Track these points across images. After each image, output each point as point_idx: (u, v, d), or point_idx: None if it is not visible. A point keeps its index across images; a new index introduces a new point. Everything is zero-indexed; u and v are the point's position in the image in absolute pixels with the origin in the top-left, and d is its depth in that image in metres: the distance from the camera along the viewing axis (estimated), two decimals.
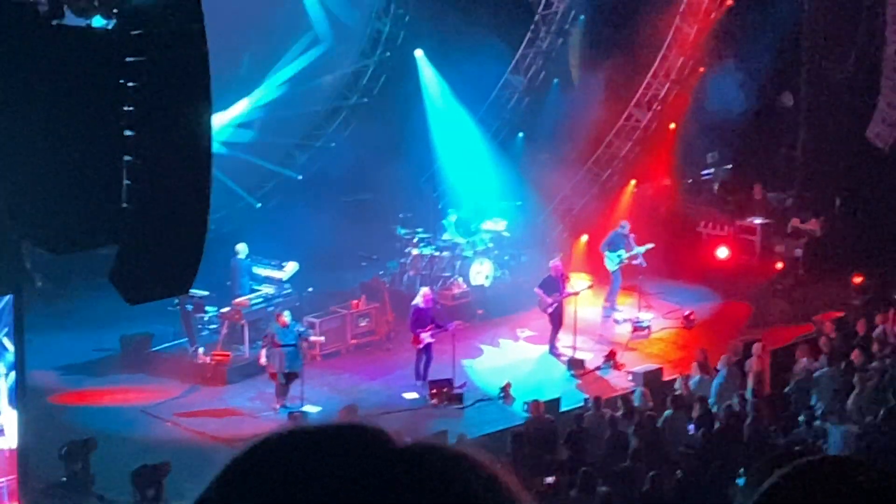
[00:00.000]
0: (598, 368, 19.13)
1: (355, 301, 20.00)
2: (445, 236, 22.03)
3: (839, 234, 23.17)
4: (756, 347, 17.85)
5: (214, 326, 19.33)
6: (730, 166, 25.54)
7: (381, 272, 21.65)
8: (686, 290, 22.10)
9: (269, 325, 18.09)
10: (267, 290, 19.66)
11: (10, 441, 13.56)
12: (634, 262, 21.10)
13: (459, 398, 17.85)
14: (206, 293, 18.87)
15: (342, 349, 19.45)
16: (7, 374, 13.44)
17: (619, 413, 15.91)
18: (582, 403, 17.06)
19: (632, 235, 21.35)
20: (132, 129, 11.49)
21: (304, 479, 1.33)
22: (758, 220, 23.62)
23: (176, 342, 19.26)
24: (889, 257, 21.84)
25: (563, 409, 17.15)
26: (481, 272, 21.79)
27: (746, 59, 23.82)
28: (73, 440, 15.32)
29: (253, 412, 17.37)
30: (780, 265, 22.92)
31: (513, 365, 19.23)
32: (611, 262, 21.17)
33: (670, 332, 20.77)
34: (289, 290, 19.80)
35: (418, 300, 18.48)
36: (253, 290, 19.57)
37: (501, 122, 25.01)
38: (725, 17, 23.40)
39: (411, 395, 18.01)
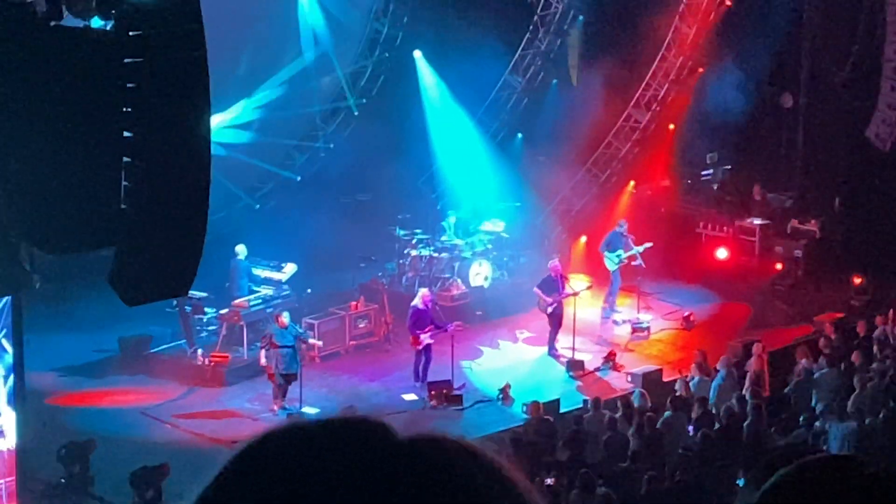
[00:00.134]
0: (597, 369, 19.12)
1: (354, 302, 19.99)
2: (444, 237, 22.02)
3: (839, 234, 23.18)
4: (755, 348, 17.85)
5: (213, 328, 19.32)
6: (729, 167, 25.53)
7: (379, 273, 21.64)
8: (685, 290, 22.11)
9: (268, 325, 18.09)
10: (266, 291, 19.66)
11: (10, 442, 13.56)
12: (634, 262, 21.08)
13: (458, 399, 17.85)
14: (204, 294, 18.86)
15: (341, 350, 19.44)
16: (6, 376, 13.43)
17: (619, 414, 15.89)
18: (581, 405, 17.05)
19: (630, 236, 21.34)
20: (131, 130, 11.47)
21: (307, 473, 1.32)
22: (757, 221, 23.61)
23: (175, 344, 19.25)
24: (889, 258, 21.84)
25: (563, 410, 17.14)
26: (480, 273, 21.79)
27: (746, 59, 23.81)
28: (72, 441, 15.30)
29: (252, 413, 17.37)
30: (779, 266, 22.92)
31: (512, 366, 19.23)
32: (610, 263, 21.17)
33: (670, 333, 20.77)
34: (287, 292, 19.79)
35: (417, 301, 18.48)
36: (252, 292, 19.56)
37: (500, 122, 25.01)
38: (724, 17, 23.39)
39: (410, 397, 18.00)
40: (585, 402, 16.97)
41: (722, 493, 13.63)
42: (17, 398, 13.53)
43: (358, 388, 18.39)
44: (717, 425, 15.65)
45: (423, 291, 18.88)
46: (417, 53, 24.45)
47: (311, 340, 18.28)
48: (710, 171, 25.68)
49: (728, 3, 23.21)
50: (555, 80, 25.31)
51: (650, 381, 17.92)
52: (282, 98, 23.57)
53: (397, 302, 20.01)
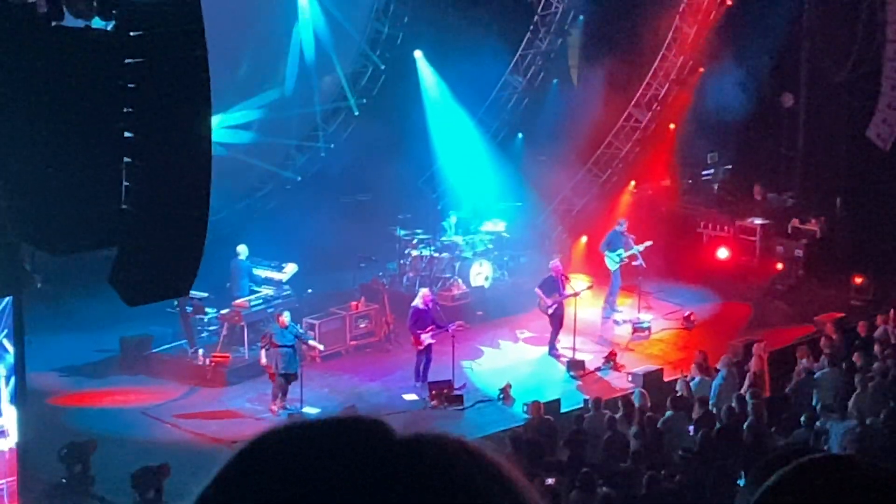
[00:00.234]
0: (598, 369, 19.12)
1: (355, 302, 19.99)
2: (445, 237, 22.02)
3: (839, 234, 23.18)
4: (756, 348, 17.84)
5: (214, 328, 19.32)
6: (730, 167, 25.53)
7: (380, 273, 21.64)
8: (686, 290, 22.10)
9: (269, 325, 18.10)
10: (266, 291, 19.66)
11: (11, 442, 13.56)
12: (635, 262, 21.07)
13: (459, 399, 17.85)
14: (205, 295, 18.86)
15: (342, 350, 19.44)
16: (7, 376, 13.43)
17: (620, 414, 15.89)
18: (582, 404, 17.05)
19: (631, 236, 21.33)
20: (131, 130, 11.48)
21: (306, 473, 1.32)
22: (758, 221, 23.60)
23: (175, 344, 19.25)
24: (890, 258, 21.84)
25: (563, 410, 17.14)
26: (481, 273, 21.79)
27: (746, 59, 23.81)
28: (73, 441, 15.30)
29: (253, 413, 17.37)
30: (780, 266, 22.91)
31: (513, 366, 19.23)
32: (611, 262, 21.16)
33: (670, 332, 20.77)
34: (288, 292, 19.79)
35: (417, 301, 18.48)
36: (252, 292, 19.56)
37: (501, 122, 25.00)
38: (725, 17, 23.39)
39: (411, 397, 18.01)
40: (586, 401, 16.96)
41: (722, 493, 13.62)
42: (19, 398, 13.53)
43: (358, 387, 18.39)
44: (717, 425, 15.65)
45: (424, 291, 18.88)
46: (418, 53, 24.45)
47: (311, 342, 18.24)
48: (711, 170, 25.69)
49: (729, 2, 23.21)
50: (555, 80, 25.31)
51: (651, 380, 17.91)
52: (282, 99, 23.56)
53: (398, 302, 20.01)
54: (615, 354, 19.34)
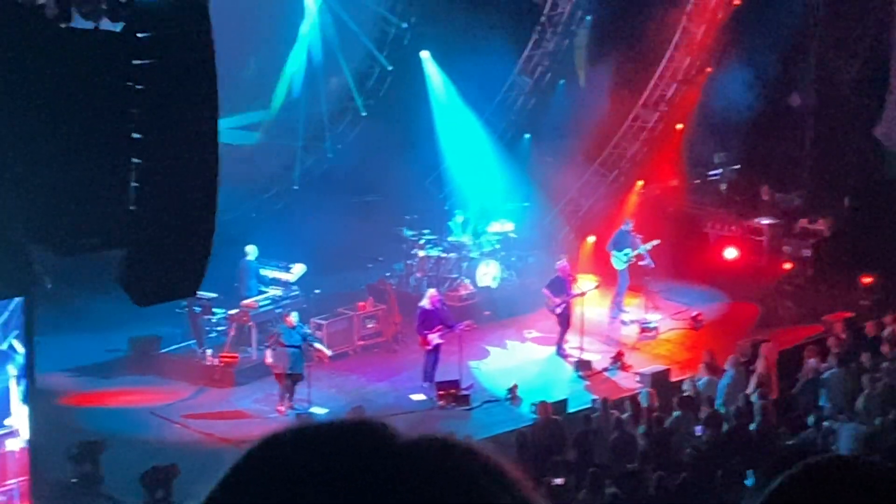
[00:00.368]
0: (605, 369, 19.11)
1: (362, 303, 20.00)
2: (452, 238, 22.03)
3: (848, 234, 23.13)
4: (763, 349, 17.81)
5: (222, 328, 19.34)
6: (737, 167, 25.50)
7: (387, 274, 21.65)
8: (694, 290, 22.08)
9: (277, 325, 18.12)
10: (274, 291, 19.68)
11: (22, 442, 13.61)
12: (642, 262, 21.06)
13: (466, 399, 17.85)
14: (213, 295, 18.88)
15: (349, 351, 19.46)
16: (18, 376, 13.48)
17: (627, 414, 15.89)
18: (590, 404, 17.04)
19: (638, 235, 21.31)
20: (140, 131, 11.51)
21: (310, 475, 1.33)
22: (766, 221, 23.57)
23: (184, 344, 19.28)
24: None
25: (571, 410, 17.14)
26: (488, 273, 21.79)
27: (754, 59, 23.78)
28: (83, 441, 15.35)
29: (261, 414, 17.39)
30: (788, 266, 22.88)
31: (520, 366, 19.23)
32: (618, 262, 21.15)
33: (678, 332, 20.75)
34: (296, 292, 19.81)
35: (425, 302, 18.48)
36: (261, 292, 19.58)
37: (508, 122, 25.00)
38: (733, 16, 23.37)
39: (418, 397, 18.01)
40: (594, 401, 16.96)
41: (730, 494, 13.63)
42: (29, 398, 13.58)
43: (366, 388, 18.40)
44: (725, 425, 15.64)
45: (431, 292, 18.89)
46: (425, 54, 24.45)
47: (317, 345, 18.14)
48: (719, 170, 25.66)
49: (736, 1, 23.19)
50: (562, 81, 25.29)
51: (658, 380, 17.91)
52: (290, 100, 23.58)
53: (405, 302, 20.02)
54: (623, 354, 19.33)
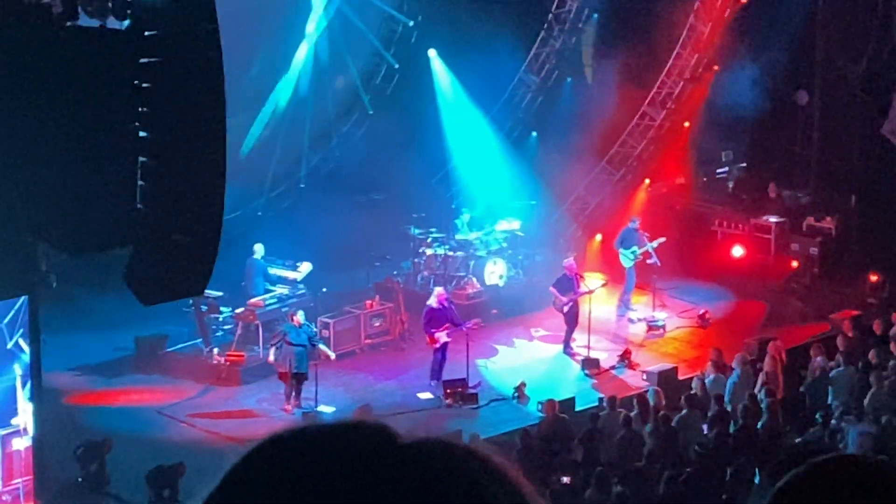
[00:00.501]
0: (612, 368, 19.10)
1: (369, 301, 20.00)
2: (459, 236, 22.02)
3: (855, 232, 23.09)
4: (770, 347, 17.78)
5: (229, 327, 19.35)
6: (744, 165, 25.46)
7: (394, 272, 21.65)
8: (701, 288, 22.05)
9: (283, 324, 18.12)
10: (281, 290, 19.69)
11: (28, 441, 13.62)
12: (649, 260, 21.04)
13: (474, 398, 17.85)
14: (220, 294, 18.89)
15: (356, 349, 19.46)
16: (24, 375, 13.48)
17: (634, 413, 15.87)
18: (597, 403, 17.04)
19: (645, 233, 21.30)
20: (146, 129, 11.51)
21: (309, 477, 1.33)
22: (773, 219, 23.53)
23: (190, 343, 19.29)
24: None
25: (578, 408, 17.13)
26: (495, 272, 21.78)
27: (761, 56, 23.73)
28: (89, 440, 15.36)
29: (267, 412, 17.40)
30: (795, 264, 22.84)
31: (527, 364, 19.22)
32: (626, 259, 21.15)
33: (685, 331, 20.73)
34: (303, 291, 19.81)
35: (432, 300, 18.48)
36: (267, 291, 19.59)
37: (515, 120, 24.99)
38: (740, 14, 23.33)
39: (426, 395, 18.01)
40: (601, 400, 16.96)
41: (737, 492, 13.60)
42: (35, 397, 13.58)
43: (373, 386, 18.40)
44: (732, 423, 15.61)
45: (439, 290, 18.88)
46: (432, 52, 24.44)
47: (321, 346, 18.08)
48: (726, 168, 25.62)
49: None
50: (569, 78, 25.26)
51: (665, 379, 17.89)
52: (296, 98, 23.57)
53: (412, 301, 20.02)
54: (630, 353, 19.32)
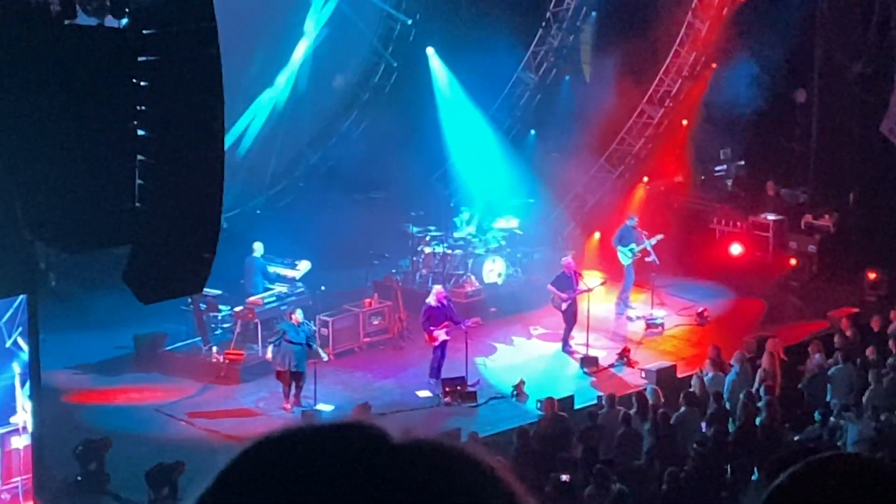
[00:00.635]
0: (611, 366, 19.11)
1: (368, 299, 20.00)
2: (457, 234, 22.02)
3: (853, 230, 23.09)
4: (769, 345, 17.80)
5: (228, 325, 19.35)
6: (743, 162, 25.46)
7: (393, 270, 21.65)
8: (699, 286, 22.06)
9: (280, 322, 18.12)
10: (280, 288, 19.68)
11: (28, 439, 13.62)
12: (647, 258, 21.05)
13: (472, 396, 17.85)
14: (219, 292, 18.89)
15: (355, 347, 19.46)
16: (23, 374, 13.49)
17: (633, 410, 15.88)
18: (595, 401, 17.04)
19: (644, 232, 21.29)
20: (145, 128, 11.51)
21: (302, 477, 1.34)
22: (771, 217, 23.54)
23: (189, 341, 19.28)
24: None
25: (577, 406, 17.13)
26: (494, 270, 21.78)
27: (759, 54, 23.74)
28: (88, 439, 15.36)
29: (266, 411, 17.40)
30: (793, 261, 22.85)
31: (526, 362, 19.23)
32: (624, 257, 21.15)
33: (683, 328, 20.74)
34: (301, 289, 19.81)
35: (430, 299, 18.47)
36: (266, 289, 19.58)
37: (513, 119, 24.99)
38: (738, 12, 23.33)
39: (424, 394, 18.01)
40: (600, 398, 16.96)
41: (736, 490, 13.62)
42: (34, 396, 13.59)
43: (372, 384, 18.40)
44: (731, 421, 15.62)
45: (437, 288, 18.88)
46: (430, 50, 24.43)
47: (315, 347, 17.98)
48: (724, 166, 25.62)
49: None
50: (567, 77, 25.27)
51: (664, 377, 17.89)
52: (295, 96, 23.57)
53: (411, 299, 20.02)
54: (628, 351, 19.33)
